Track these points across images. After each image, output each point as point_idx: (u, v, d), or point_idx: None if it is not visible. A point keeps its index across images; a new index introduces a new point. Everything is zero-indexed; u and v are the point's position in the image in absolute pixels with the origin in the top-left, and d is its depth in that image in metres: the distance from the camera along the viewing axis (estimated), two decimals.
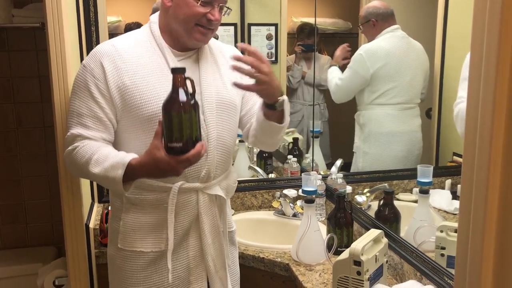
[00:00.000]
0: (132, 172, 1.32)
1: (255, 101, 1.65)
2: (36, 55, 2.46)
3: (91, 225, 1.90)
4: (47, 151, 2.51)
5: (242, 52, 1.45)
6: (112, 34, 2.30)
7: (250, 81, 1.41)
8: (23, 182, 2.59)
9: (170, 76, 1.40)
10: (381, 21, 2.17)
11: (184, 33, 1.43)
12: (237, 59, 1.35)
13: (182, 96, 1.24)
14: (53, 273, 1.90)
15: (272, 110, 1.45)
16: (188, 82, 1.26)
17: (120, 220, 1.48)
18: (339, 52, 2.49)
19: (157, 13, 1.51)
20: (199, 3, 1.39)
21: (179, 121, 1.23)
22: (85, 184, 1.93)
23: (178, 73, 1.25)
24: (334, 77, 2.40)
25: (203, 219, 1.47)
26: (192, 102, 1.25)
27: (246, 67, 1.35)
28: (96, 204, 2.17)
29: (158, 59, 1.45)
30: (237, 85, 1.40)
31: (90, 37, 2.07)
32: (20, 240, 2.61)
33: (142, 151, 1.36)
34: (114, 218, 1.53)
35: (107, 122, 1.41)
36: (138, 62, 1.43)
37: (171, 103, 1.24)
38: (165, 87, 1.40)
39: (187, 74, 1.28)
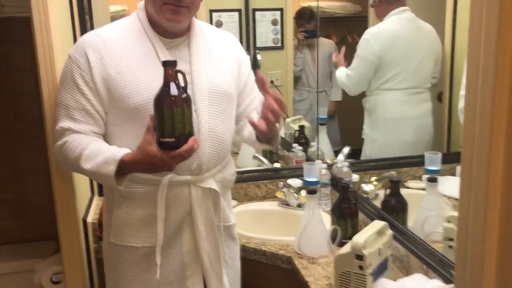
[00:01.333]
0: (124, 168, 1.30)
1: (254, 97, 1.61)
2: (30, 46, 2.40)
3: (89, 219, 1.86)
4: (46, 144, 2.47)
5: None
6: None
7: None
8: (22, 176, 2.56)
9: (157, 65, 1.36)
10: (385, 3, 2.10)
11: (156, 14, 1.36)
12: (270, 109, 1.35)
13: (174, 90, 1.21)
14: (50, 269, 1.86)
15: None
16: (179, 76, 1.23)
17: (112, 214, 1.44)
18: (335, 58, 2.43)
19: (143, 0, 1.45)
20: None
21: (171, 116, 1.20)
22: (82, 177, 1.88)
23: (169, 66, 1.22)
24: (342, 72, 2.32)
25: (196, 213, 1.42)
26: (184, 96, 1.23)
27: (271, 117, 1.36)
28: (96, 197, 2.13)
29: (145, 47, 1.38)
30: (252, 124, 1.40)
31: (84, 27, 2.01)
32: (20, 234, 2.58)
33: (131, 144, 1.33)
34: (107, 212, 1.50)
35: (95, 114, 1.37)
36: (124, 51, 1.37)
37: (162, 97, 1.21)
38: (152, 77, 1.35)
39: (177, 62, 1.26)
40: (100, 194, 2.16)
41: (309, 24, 2.64)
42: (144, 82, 1.34)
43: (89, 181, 2.08)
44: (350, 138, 2.74)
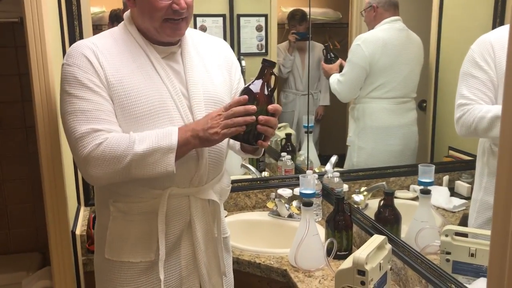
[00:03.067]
0: (182, 136, 1.26)
1: None
2: (15, 51, 2.33)
3: (78, 231, 1.80)
4: (30, 153, 2.39)
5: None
6: (96, 26, 2.21)
7: None
8: (5, 185, 2.46)
9: (154, 75, 1.34)
10: (381, 8, 2.10)
11: (155, 31, 1.34)
12: (264, 122, 1.28)
13: (258, 88, 1.28)
14: (38, 284, 1.80)
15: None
16: (272, 78, 1.30)
17: (107, 229, 1.39)
18: (325, 66, 2.43)
19: (129, 11, 1.41)
20: None
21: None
22: (70, 186, 1.83)
23: (267, 66, 1.29)
24: (334, 78, 2.31)
25: (196, 225, 1.39)
26: (267, 96, 1.28)
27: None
28: (82, 208, 2.07)
29: (141, 57, 1.35)
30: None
31: (73, 32, 1.95)
32: (3, 246, 2.48)
33: None
34: (100, 227, 1.44)
35: (112, 111, 1.29)
36: (120, 59, 1.33)
37: (248, 89, 1.28)
38: (150, 86, 1.32)
39: (172, 71, 1.35)
40: (87, 204, 2.10)
41: (301, 26, 2.63)
42: (143, 92, 1.31)
43: (76, 189, 2.02)
44: (330, 144, 2.76)
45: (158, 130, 1.26)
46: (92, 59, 1.29)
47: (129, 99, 1.29)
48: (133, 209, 1.35)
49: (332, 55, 2.45)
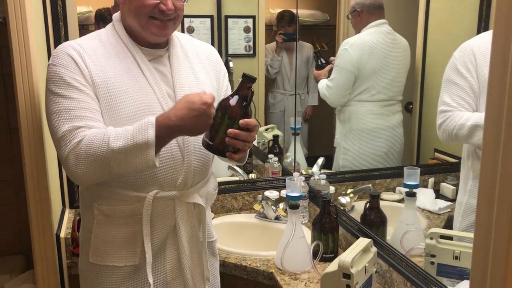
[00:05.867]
0: (162, 129, 1.20)
1: None
2: None
3: (62, 234, 1.78)
4: (13, 154, 2.36)
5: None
6: (82, 26, 2.19)
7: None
8: None
9: (140, 77, 1.33)
10: (366, 12, 2.11)
11: (140, 28, 1.33)
12: (233, 135, 1.27)
13: (234, 102, 1.28)
14: None
15: None
16: (249, 93, 1.29)
17: (91, 233, 1.38)
18: (315, 72, 2.43)
19: (119, 12, 1.41)
20: None
21: (220, 123, 1.27)
22: (55, 188, 1.81)
23: (247, 80, 1.28)
24: (323, 84, 2.32)
25: (181, 229, 1.38)
26: (241, 112, 1.27)
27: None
28: (67, 210, 2.05)
29: (127, 59, 1.34)
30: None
31: (58, 33, 1.93)
32: None
33: None
34: (84, 231, 1.42)
35: (98, 110, 1.28)
36: (106, 61, 1.32)
37: (223, 103, 1.28)
38: (136, 88, 1.31)
39: (158, 74, 1.35)
40: (72, 206, 2.08)
41: (290, 27, 2.63)
42: (130, 95, 1.30)
43: (61, 191, 2.00)
44: (318, 145, 2.76)
45: (135, 124, 1.21)
46: (77, 58, 1.28)
47: (115, 101, 1.29)
48: (117, 212, 1.34)
49: (323, 61, 2.45)
